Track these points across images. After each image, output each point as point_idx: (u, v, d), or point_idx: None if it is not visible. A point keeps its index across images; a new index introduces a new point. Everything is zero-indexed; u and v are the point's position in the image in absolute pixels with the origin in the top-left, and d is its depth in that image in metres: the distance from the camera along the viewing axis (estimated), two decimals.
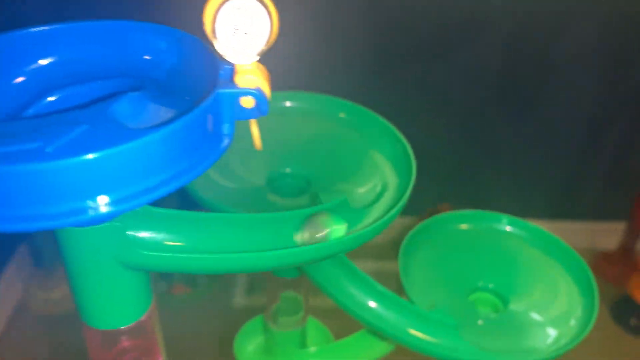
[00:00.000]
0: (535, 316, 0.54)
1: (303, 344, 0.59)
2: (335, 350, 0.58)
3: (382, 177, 0.47)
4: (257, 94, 0.31)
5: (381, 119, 0.50)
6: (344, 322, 0.54)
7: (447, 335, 0.49)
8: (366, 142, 0.50)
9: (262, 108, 0.32)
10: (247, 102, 0.31)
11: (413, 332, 0.48)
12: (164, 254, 0.32)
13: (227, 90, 0.31)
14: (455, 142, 1.49)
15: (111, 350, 0.35)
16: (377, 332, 0.51)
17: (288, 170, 0.50)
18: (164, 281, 1.47)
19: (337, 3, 1.30)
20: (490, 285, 0.57)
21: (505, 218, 0.61)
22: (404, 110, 1.43)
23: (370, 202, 0.44)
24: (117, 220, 0.31)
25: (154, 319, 0.37)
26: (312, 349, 0.58)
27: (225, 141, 0.32)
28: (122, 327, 0.35)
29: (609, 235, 1.63)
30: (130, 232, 0.32)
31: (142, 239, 0.32)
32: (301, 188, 0.50)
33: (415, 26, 1.33)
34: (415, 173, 0.44)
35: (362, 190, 0.46)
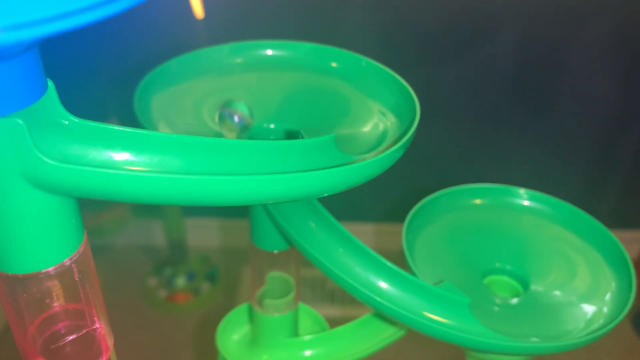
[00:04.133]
0: (563, 297, 0.47)
1: (295, 332, 0.52)
2: (332, 338, 0.51)
3: (384, 124, 0.40)
4: None
5: (380, 65, 0.44)
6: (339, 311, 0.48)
7: (458, 313, 0.42)
8: (363, 92, 0.44)
9: None
10: None
11: (417, 309, 0.41)
12: (84, 169, 0.25)
13: None
14: (464, 148, 1.43)
15: (28, 307, 0.27)
16: (377, 311, 0.44)
17: (272, 126, 0.44)
18: (165, 289, 1.43)
19: (344, 3, 1.25)
20: (508, 267, 0.50)
21: (523, 191, 0.54)
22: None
23: (372, 145, 0.38)
24: (18, 115, 0.24)
25: (86, 267, 0.29)
26: (306, 337, 0.51)
27: None
28: (36, 272, 0.27)
29: (628, 243, 1.56)
30: (37, 135, 0.24)
31: (54, 145, 0.25)
32: None
33: (424, 28, 1.28)
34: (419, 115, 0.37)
35: (361, 136, 0.39)
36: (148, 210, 1.51)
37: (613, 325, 0.42)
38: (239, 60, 0.46)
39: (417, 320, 0.41)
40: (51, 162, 0.23)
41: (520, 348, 0.42)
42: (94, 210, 1.39)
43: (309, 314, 0.56)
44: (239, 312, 0.55)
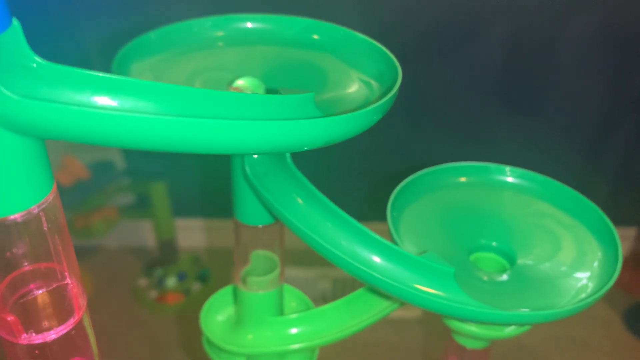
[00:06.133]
0: (550, 270, 0.46)
1: (280, 311, 0.51)
2: (318, 316, 0.51)
3: (366, 91, 0.40)
4: None
5: (361, 35, 0.43)
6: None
7: (442, 282, 0.41)
8: (346, 63, 0.43)
9: None
10: None
11: (402, 278, 0.41)
12: (51, 104, 0.24)
13: None
14: (453, 145, 1.43)
15: None
16: (366, 284, 0.44)
17: None
18: (155, 289, 1.42)
19: (334, 1, 1.26)
20: (494, 244, 0.50)
21: (508, 169, 0.54)
22: (402, 111, 1.38)
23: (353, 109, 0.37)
24: None
25: (56, 220, 0.28)
26: (292, 315, 0.51)
27: None
28: (2, 218, 0.26)
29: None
30: (3, 73, 0.24)
31: (20, 84, 0.24)
32: None
33: (414, 25, 1.28)
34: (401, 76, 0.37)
35: (343, 102, 0.39)
36: (138, 210, 1.50)
37: (602, 292, 0.42)
38: (220, 33, 0.46)
39: (402, 288, 0.40)
40: (16, 97, 0.23)
41: (506, 317, 0.41)
42: (83, 211, 1.38)
43: (294, 295, 0.55)
44: (224, 294, 0.55)
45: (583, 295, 0.43)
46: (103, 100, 0.24)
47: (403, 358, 1.29)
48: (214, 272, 1.46)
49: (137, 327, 1.36)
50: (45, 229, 0.27)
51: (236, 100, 0.27)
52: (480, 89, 1.37)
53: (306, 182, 0.43)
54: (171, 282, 1.45)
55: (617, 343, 1.33)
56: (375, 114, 0.32)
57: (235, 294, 0.52)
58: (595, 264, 0.45)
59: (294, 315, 0.51)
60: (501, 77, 1.35)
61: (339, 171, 1.45)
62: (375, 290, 0.53)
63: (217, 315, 0.53)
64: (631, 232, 1.51)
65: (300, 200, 0.42)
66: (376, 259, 0.41)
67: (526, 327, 0.49)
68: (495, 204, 0.53)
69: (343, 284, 1.46)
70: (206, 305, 0.53)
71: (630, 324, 1.36)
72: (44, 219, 0.27)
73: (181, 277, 1.46)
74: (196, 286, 1.44)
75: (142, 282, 1.46)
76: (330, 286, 1.45)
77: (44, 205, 0.27)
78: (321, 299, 1.39)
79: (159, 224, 1.41)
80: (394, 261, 0.42)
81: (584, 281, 0.45)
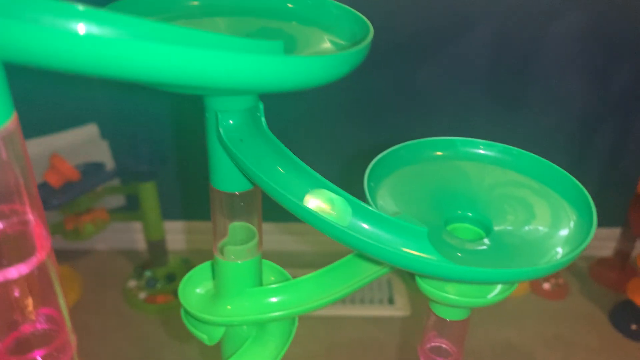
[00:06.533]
0: (526, 235, 0.47)
1: (259, 282, 0.52)
2: (297, 286, 0.51)
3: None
4: None
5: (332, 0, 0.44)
6: None
7: (417, 240, 0.42)
8: (321, 28, 0.44)
9: None
10: None
11: (378, 237, 0.42)
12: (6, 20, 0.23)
13: None
14: None
15: None
16: (340, 242, 0.44)
17: None
18: (145, 291, 1.43)
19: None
20: (470, 214, 0.51)
21: (484, 143, 0.55)
22: (387, 112, 1.40)
23: None
24: None
25: (17, 152, 0.28)
26: (271, 285, 0.51)
27: None
28: None
29: (602, 241, 1.57)
30: None
31: None
32: None
33: (399, 26, 1.30)
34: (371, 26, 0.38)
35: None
36: (128, 212, 1.51)
37: (581, 249, 0.43)
38: (194, 3, 0.47)
39: (377, 246, 0.41)
40: None
41: (485, 274, 0.42)
42: (73, 213, 1.38)
43: (272, 269, 0.56)
44: (202, 269, 0.55)
45: (561, 253, 0.44)
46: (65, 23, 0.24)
47: (390, 356, 1.29)
48: None
49: (127, 328, 1.36)
50: (5, 158, 0.27)
51: (205, 36, 0.28)
52: (465, 90, 1.38)
53: (283, 147, 0.44)
54: (160, 283, 1.45)
55: (604, 340, 1.34)
56: (342, 63, 0.33)
57: (214, 267, 0.52)
58: (572, 224, 0.46)
59: (273, 286, 0.51)
60: (486, 78, 1.36)
61: (318, 146, 1.46)
62: (353, 262, 0.54)
63: (195, 289, 0.54)
64: (615, 232, 1.53)
65: (277, 164, 0.43)
66: (354, 220, 0.42)
67: (507, 292, 0.49)
68: (470, 177, 0.54)
69: None
70: (185, 279, 0.53)
71: (616, 322, 1.37)
72: (3, 148, 0.27)
73: (170, 278, 1.46)
74: None
75: (132, 283, 1.46)
76: None
77: (3, 134, 0.27)
78: None
79: (148, 225, 1.41)
80: (370, 221, 0.42)
81: (562, 241, 0.46)
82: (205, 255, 0.51)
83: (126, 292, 1.44)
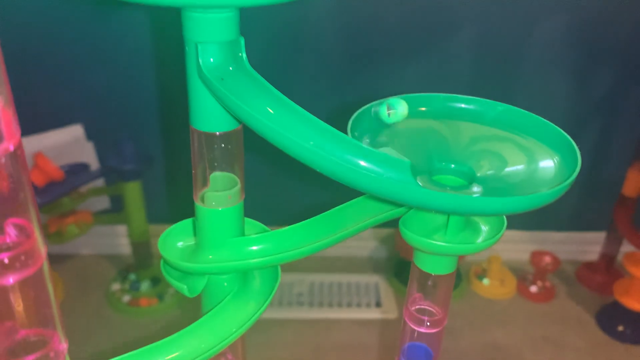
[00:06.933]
0: (511, 178, 0.47)
1: (241, 232, 0.51)
2: (279, 235, 0.51)
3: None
4: None
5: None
6: None
7: (399, 170, 0.42)
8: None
9: None
10: None
11: (364, 167, 0.42)
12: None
13: None
14: None
15: None
16: (328, 174, 0.44)
17: None
18: (129, 294, 1.41)
19: (306, 8, 1.28)
20: (452, 166, 0.51)
21: (467, 98, 0.55)
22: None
23: None
24: None
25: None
26: (253, 234, 0.51)
27: None
28: None
29: (587, 245, 1.58)
30: None
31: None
32: None
33: (385, 27, 1.31)
34: None
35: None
36: (112, 215, 1.49)
37: (572, 179, 0.43)
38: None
39: (363, 173, 0.41)
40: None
41: (473, 201, 0.42)
42: (57, 214, 1.37)
43: (254, 226, 0.55)
44: (183, 225, 0.55)
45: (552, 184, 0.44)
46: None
47: (378, 358, 1.28)
48: None
49: (110, 331, 1.34)
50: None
51: None
52: (449, 90, 1.38)
53: (264, 81, 0.43)
54: (145, 286, 1.43)
55: (590, 342, 1.33)
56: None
57: (195, 218, 0.52)
58: (557, 159, 0.47)
59: (255, 235, 0.51)
60: (469, 79, 1.37)
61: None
62: (335, 215, 0.53)
63: (176, 242, 0.53)
64: (600, 236, 1.53)
65: (263, 98, 0.43)
66: (342, 153, 0.42)
67: (494, 239, 0.49)
68: (453, 131, 0.53)
69: (320, 287, 1.45)
70: (164, 234, 0.53)
71: (603, 324, 1.37)
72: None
73: (155, 281, 1.44)
74: (170, 291, 1.43)
75: (116, 286, 1.44)
76: (307, 290, 1.44)
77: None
78: (297, 304, 1.38)
79: (133, 226, 1.39)
80: (356, 153, 0.42)
81: (549, 175, 0.46)
82: None
83: (109, 296, 1.42)
